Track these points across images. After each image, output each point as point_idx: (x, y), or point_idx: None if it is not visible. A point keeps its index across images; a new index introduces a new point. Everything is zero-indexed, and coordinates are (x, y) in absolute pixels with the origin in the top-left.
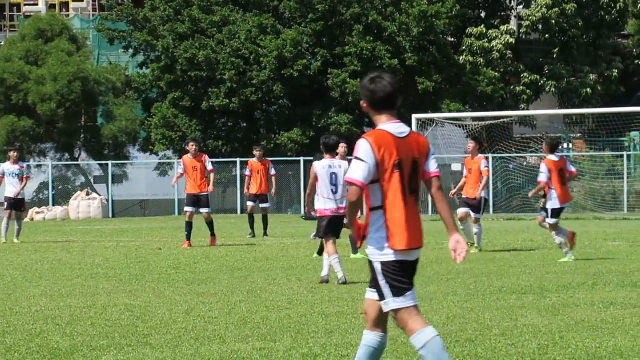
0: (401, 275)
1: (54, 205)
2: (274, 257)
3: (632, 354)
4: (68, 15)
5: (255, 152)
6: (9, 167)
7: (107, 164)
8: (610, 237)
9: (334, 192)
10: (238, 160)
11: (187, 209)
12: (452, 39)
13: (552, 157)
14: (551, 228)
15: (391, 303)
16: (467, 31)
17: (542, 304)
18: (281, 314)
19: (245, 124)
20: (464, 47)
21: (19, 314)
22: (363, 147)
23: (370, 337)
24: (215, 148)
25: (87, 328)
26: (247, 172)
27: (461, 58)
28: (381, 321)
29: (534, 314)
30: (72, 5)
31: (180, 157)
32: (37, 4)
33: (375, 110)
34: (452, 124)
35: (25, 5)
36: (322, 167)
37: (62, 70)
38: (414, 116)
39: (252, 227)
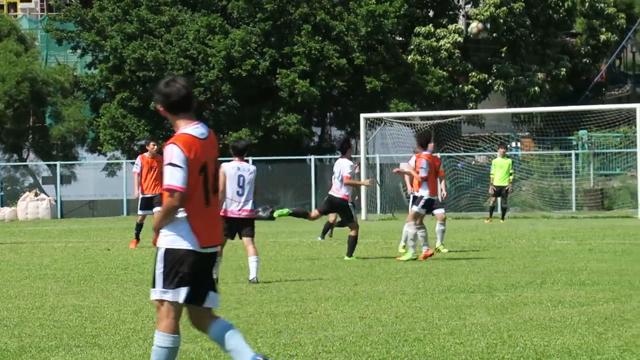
0: (183, 268)
1: (2, 206)
2: (223, 257)
3: (580, 352)
4: (16, 16)
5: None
6: None
7: (55, 165)
8: (558, 235)
9: (240, 194)
10: None
11: (140, 212)
12: (401, 39)
13: (428, 152)
14: (413, 217)
15: (158, 293)
16: (415, 30)
17: (491, 303)
18: (230, 314)
19: None
20: (412, 47)
21: None
22: (175, 152)
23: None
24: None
25: (35, 329)
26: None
27: (409, 57)
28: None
29: (482, 313)
30: (20, 5)
31: (137, 156)
32: None
33: (172, 114)
34: (400, 123)
35: None
36: (231, 168)
37: (10, 70)
38: (362, 115)
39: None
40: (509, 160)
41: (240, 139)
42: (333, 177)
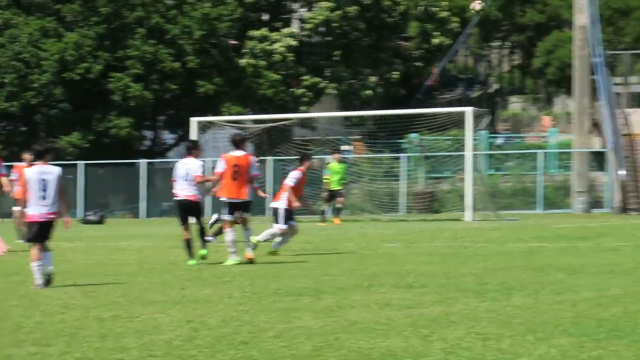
0: None
1: None
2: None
3: (405, 354)
4: None
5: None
6: None
7: None
8: (386, 238)
9: (44, 198)
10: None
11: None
12: (235, 42)
13: (235, 153)
14: (225, 224)
15: None
16: (248, 34)
17: (318, 306)
18: (55, 319)
19: (25, 128)
20: (246, 50)
21: None
22: None
23: None
24: None
25: None
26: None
27: (243, 61)
28: None
29: (309, 316)
30: None
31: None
32: None
33: None
34: (232, 126)
35: None
36: (33, 172)
37: None
38: (193, 119)
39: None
40: (344, 165)
41: (47, 143)
42: (177, 178)
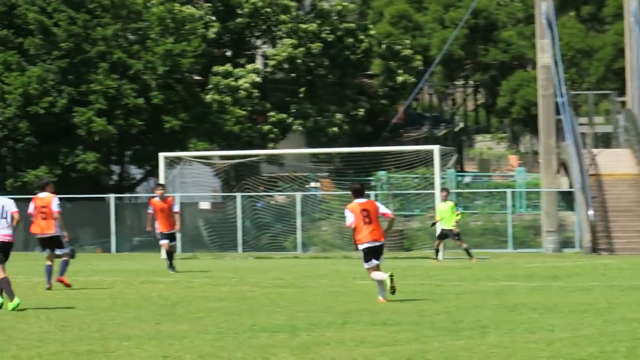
0: None
1: None
2: (23, 294)
3: None
4: None
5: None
6: None
7: None
8: (359, 275)
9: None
10: None
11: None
12: (199, 78)
13: (359, 200)
14: (368, 272)
15: None
16: (213, 69)
17: (294, 342)
18: (32, 352)
19: None
20: (210, 86)
21: None
22: None
23: None
24: None
25: None
26: (150, 210)
27: (208, 96)
28: None
29: (285, 353)
30: None
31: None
32: None
33: None
34: (200, 162)
35: None
36: None
37: None
38: (161, 154)
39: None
40: None
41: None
42: None
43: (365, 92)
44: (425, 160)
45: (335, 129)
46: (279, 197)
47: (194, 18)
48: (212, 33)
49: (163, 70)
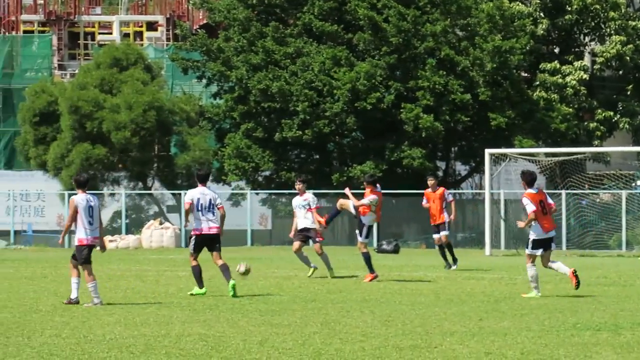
0: None
1: (126, 234)
2: (348, 289)
3: None
4: (142, 45)
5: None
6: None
7: (180, 194)
8: None
9: (91, 224)
10: (310, 192)
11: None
12: (526, 74)
13: (531, 190)
14: (527, 259)
15: None
16: (540, 67)
17: (617, 341)
18: (355, 347)
19: (317, 156)
20: (537, 83)
21: (93, 341)
22: None
23: None
24: (288, 179)
25: (161, 357)
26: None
27: (534, 94)
28: None
29: (608, 351)
30: (146, 34)
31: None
32: (111, 33)
33: None
34: (525, 159)
35: (99, 34)
36: (81, 200)
37: (137, 99)
38: (487, 151)
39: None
40: None
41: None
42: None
43: None
44: None
45: None
46: (604, 195)
47: (522, 14)
48: (540, 30)
49: (491, 67)
